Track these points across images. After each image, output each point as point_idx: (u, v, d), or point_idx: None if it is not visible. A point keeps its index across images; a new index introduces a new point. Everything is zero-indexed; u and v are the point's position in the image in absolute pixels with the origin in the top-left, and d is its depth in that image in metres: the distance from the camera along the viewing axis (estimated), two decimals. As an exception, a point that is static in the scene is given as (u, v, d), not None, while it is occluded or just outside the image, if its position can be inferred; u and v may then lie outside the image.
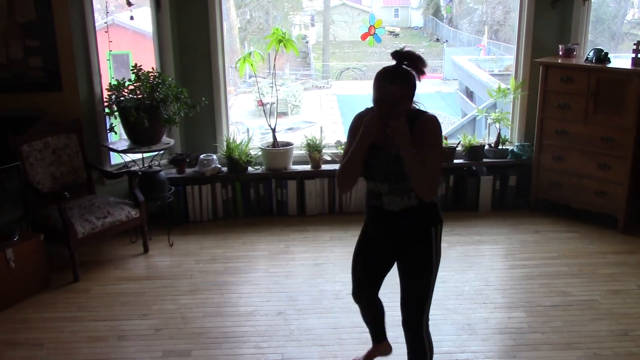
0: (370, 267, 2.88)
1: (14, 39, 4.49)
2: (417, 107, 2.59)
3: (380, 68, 2.51)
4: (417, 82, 2.50)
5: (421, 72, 2.46)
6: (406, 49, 2.47)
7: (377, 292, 3.00)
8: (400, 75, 2.45)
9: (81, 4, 4.51)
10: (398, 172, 2.52)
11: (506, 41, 13.86)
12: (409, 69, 2.45)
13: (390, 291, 3.96)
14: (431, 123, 2.52)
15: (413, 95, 2.51)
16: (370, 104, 2.54)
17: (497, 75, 11.26)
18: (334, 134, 6.88)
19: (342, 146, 5.26)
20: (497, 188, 5.38)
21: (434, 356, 3.28)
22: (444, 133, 5.85)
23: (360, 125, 2.51)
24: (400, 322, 3.57)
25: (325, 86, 14.88)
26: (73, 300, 3.96)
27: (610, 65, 4.74)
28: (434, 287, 2.74)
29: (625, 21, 10.17)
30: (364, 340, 3.38)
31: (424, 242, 2.65)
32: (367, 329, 3.45)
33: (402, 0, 19.38)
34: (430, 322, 3.64)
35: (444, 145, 5.35)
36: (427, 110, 2.61)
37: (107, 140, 4.88)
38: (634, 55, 4.61)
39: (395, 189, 2.57)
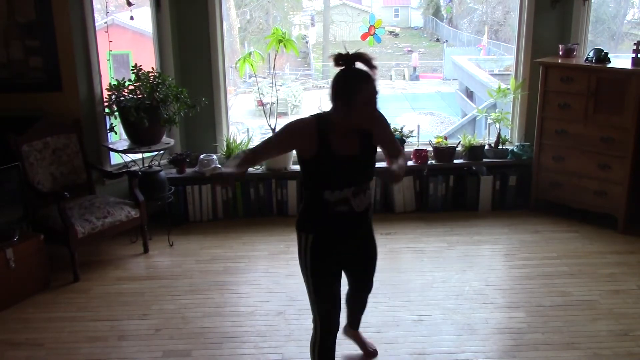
0: (338, 279, 2.78)
1: (14, 39, 4.49)
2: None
3: (360, 70, 2.51)
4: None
5: (374, 68, 2.49)
6: (349, 52, 2.49)
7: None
8: (369, 74, 2.48)
9: (81, 4, 4.51)
10: (363, 175, 2.60)
11: (506, 41, 13.86)
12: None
13: (390, 291, 3.98)
14: (381, 119, 2.67)
15: None
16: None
17: (497, 75, 11.26)
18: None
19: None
20: (497, 188, 5.38)
21: (434, 356, 3.31)
22: (444, 133, 5.90)
23: (304, 134, 2.51)
24: (396, 322, 3.59)
25: (325, 86, 14.87)
26: (73, 300, 3.96)
27: (610, 65, 4.73)
28: None
29: (625, 21, 10.17)
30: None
31: (370, 226, 2.84)
32: (367, 329, 3.45)
33: (402, 0, 19.38)
34: (430, 322, 3.67)
35: (444, 145, 5.36)
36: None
37: (107, 140, 4.88)
38: (634, 55, 4.61)
39: (358, 190, 2.62)
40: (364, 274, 2.95)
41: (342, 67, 2.49)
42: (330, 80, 2.54)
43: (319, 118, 2.56)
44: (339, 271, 2.79)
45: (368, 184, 2.67)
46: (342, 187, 2.57)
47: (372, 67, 2.47)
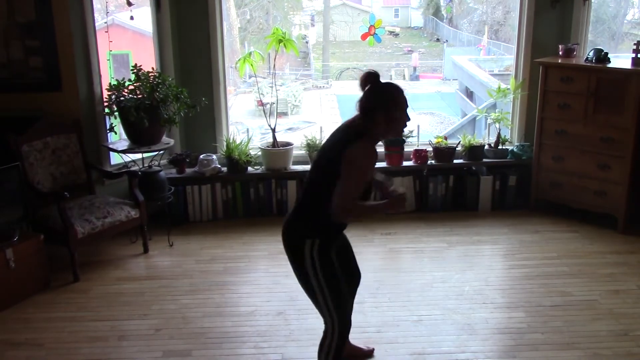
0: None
1: (14, 39, 4.49)
2: None
3: (372, 70, 2.66)
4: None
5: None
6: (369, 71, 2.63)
7: None
8: None
9: (81, 4, 4.51)
10: None
11: (506, 41, 13.87)
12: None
13: (390, 291, 3.98)
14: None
15: None
16: None
17: (497, 75, 11.28)
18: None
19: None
20: (497, 188, 5.38)
21: (434, 356, 3.31)
22: (444, 133, 5.90)
23: (375, 159, 2.60)
24: (396, 322, 3.59)
25: (325, 86, 14.89)
26: (73, 300, 3.95)
27: (610, 65, 4.73)
28: None
29: (625, 21, 10.18)
30: (364, 340, 3.38)
31: None
32: (367, 329, 3.46)
33: (402, 0, 19.39)
34: (430, 322, 3.67)
35: (443, 145, 5.37)
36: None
37: (107, 140, 4.88)
38: (634, 55, 4.61)
39: None
40: (353, 262, 3.03)
41: (372, 84, 2.60)
42: (366, 94, 2.60)
43: (370, 138, 2.59)
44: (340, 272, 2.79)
45: None
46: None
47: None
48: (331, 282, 2.63)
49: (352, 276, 3.03)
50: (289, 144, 5.36)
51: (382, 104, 2.55)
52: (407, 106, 2.61)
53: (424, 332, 3.51)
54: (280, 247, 4.67)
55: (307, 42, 15.10)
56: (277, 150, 5.24)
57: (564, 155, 5.01)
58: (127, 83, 4.59)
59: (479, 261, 4.44)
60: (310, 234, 2.62)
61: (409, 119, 2.64)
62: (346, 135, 2.59)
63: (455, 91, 14.71)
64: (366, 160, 2.55)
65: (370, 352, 3.29)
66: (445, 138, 5.46)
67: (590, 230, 4.92)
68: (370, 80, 2.59)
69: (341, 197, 2.48)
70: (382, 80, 2.63)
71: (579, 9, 5.23)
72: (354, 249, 3.05)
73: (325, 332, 2.72)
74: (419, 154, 5.31)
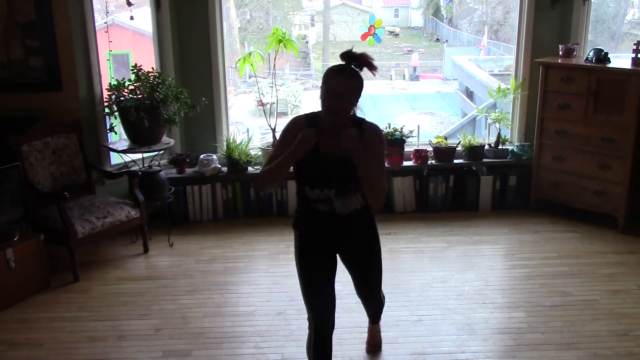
0: (328, 277, 2.78)
1: (14, 39, 4.49)
2: (359, 115, 2.67)
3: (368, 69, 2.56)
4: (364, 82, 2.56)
5: (373, 68, 2.52)
6: (356, 51, 2.51)
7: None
8: (349, 71, 2.50)
9: (81, 4, 4.51)
10: (343, 176, 2.58)
11: (506, 41, 13.87)
12: (358, 69, 2.51)
13: (390, 291, 3.97)
14: (377, 133, 2.63)
15: (358, 97, 2.55)
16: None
17: (497, 75, 11.27)
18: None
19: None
20: (497, 188, 5.38)
21: (434, 356, 3.30)
22: (444, 133, 5.90)
23: (296, 132, 2.50)
24: (396, 322, 3.59)
25: (325, 86, 14.83)
26: (73, 300, 3.96)
27: (610, 65, 4.73)
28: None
29: (625, 21, 10.17)
30: (364, 340, 3.39)
31: (370, 229, 2.83)
32: (366, 329, 3.45)
33: (402, 0, 19.39)
34: (430, 322, 3.66)
35: (444, 145, 5.37)
36: (367, 118, 2.68)
37: (107, 140, 4.88)
38: (634, 55, 4.61)
39: (341, 192, 2.62)
40: (360, 273, 2.95)
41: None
42: None
43: (308, 116, 2.62)
44: (328, 269, 2.76)
45: (355, 189, 2.63)
46: (323, 186, 2.60)
47: (370, 67, 2.51)
48: (300, 272, 2.76)
49: (357, 283, 3.00)
50: (289, 144, 5.35)
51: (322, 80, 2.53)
52: (326, 91, 2.46)
53: (424, 332, 3.51)
54: (280, 247, 4.71)
55: (307, 42, 15.09)
56: (277, 150, 5.23)
57: (564, 155, 5.01)
58: (127, 83, 4.59)
59: (479, 261, 4.44)
60: (294, 225, 2.77)
61: (327, 103, 2.47)
62: None
63: (455, 91, 14.70)
64: (283, 129, 2.64)
65: (371, 349, 3.32)
66: (446, 138, 5.47)
67: (590, 230, 4.92)
68: (344, 57, 2.50)
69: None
70: (355, 59, 2.49)
71: (579, 9, 5.23)
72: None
73: None
74: (419, 154, 5.31)
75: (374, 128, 2.62)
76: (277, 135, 5.27)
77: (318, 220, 2.68)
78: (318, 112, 2.59)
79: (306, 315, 3.59)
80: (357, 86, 2.51)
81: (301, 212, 2.72)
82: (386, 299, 3.24)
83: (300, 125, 2.57)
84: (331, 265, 2.79)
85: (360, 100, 2.57)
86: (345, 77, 2.47)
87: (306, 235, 2.74)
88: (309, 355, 2.80)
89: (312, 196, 2.62)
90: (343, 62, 2.50)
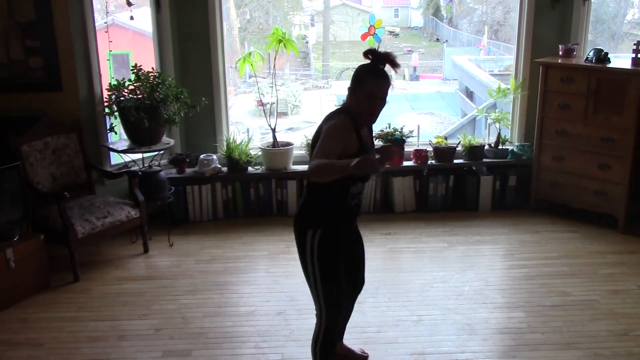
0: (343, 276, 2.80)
1: (14, 39, 4.49)
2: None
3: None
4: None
5: (397, 66, 2.55)
6: (382, 50, 2.55)
7: None
8: (386, 74, 2.55)
9: (81, 4, 4.51)
10: None
11: (506, 41, 13.88)
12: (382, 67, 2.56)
13: (390, 291, 3.98)
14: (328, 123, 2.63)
15: None
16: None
17: (497, 75, 11.28)
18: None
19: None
20: (497, 188, 5.38)
21: (434, 356, 3.30)
22: (444, 133, 5.90)
23: (352, 131, 2.53)
24: (396, 322, 3.59)
25: (325, 86, 14.89)
26: (73, 300, 3.95)
27: (610, 65, 4.73)
28: None
29: (625, 21, 10.18)
30: (364, 340, 3.39)
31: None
32: (367, 329, 3.46)
33: (402, 0, 19.40)
34: (430, 322, 3.67)
35: (444, 145, 5.37)
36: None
37: (107, 140, 4.88)
38: (634, 55, 4.61)
39: (364, 184, 2.74)
40: (359, 268, 2.99)
41: (368, 62, 2.56)
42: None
43: (348, 118, 2.57)
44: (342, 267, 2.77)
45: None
46: (363, 180, 2.69)
47: (396, 66, 2.56)
48: (326, 273, 2.65)
49: (353, 282, 3.00)
50: (289, 144, 5.36)
51: (352, 82, 2.56)
52: (375, 94, 2.50)
53: (424, 332, 3.51)
54: (280, 247, 4.71)
55: (307, 42, 15.11)
56: (277, 150, 5.24)
57: (564, 155, 5.01)
58: (127, 83, 4.59)
59: (479, 261, 4.44)
60: (311, 224, 2.64)
61: (373, 107, 2.52)
62: (329, 114, 2.65)
63: (455, 91, 14.72)
64: (336, 129, 2.52)
65: (364, 358, 3.25)
66: (446, 138, 5.46)
67: (590, 230, 4.92)
68: (371, 56, 2.55)
69: (312, 160, 2.47)
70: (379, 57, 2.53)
71: (578, 9, 5.23)
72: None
73: (316, 323, 2.76)
74: (419, 154, 5.32)
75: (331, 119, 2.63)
76: (277, 135, 5.30)
77: (353, 215, 2.75)
78: (346, 109, 2.60)
79: (307, 315, 3.58)
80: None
81: (331, 210, 2.66)
82: (386, 299, 3.23)
83: (351, 130, 2.55)
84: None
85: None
86: (388, 81, 2.54)
87: (330, 232, 2.66)
88: (314, 354, 2.77)
89: (354, 190, 2.66)
90: (368, 61, 2.54)
